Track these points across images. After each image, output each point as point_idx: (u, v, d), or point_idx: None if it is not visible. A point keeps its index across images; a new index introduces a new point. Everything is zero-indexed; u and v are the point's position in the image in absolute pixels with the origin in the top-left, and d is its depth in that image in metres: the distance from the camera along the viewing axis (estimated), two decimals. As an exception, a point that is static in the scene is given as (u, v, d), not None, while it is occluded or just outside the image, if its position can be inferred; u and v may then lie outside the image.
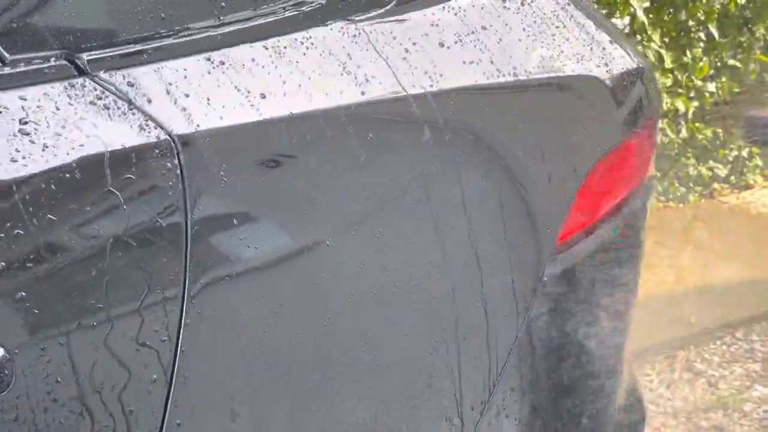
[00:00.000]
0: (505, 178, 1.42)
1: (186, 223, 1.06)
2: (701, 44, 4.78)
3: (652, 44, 4.50)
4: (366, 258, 1.26)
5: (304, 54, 1.22)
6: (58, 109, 1.03)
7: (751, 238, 4.52)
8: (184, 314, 1.04)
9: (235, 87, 1.15)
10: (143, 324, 1.02)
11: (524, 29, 1.46)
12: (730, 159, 5.08)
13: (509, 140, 1.43)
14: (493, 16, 1.43)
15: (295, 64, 1.21)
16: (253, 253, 1.13)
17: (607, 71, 1.56)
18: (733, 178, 5.07)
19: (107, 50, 1.10)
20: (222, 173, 1.10)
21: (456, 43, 1.37)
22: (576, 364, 1.50)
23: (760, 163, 5.13)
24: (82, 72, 1.07)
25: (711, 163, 4.95)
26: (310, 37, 1.24)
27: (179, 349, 1.04)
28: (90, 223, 1.01)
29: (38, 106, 1.02)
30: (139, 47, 1.12)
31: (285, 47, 1.21)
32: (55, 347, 0.97)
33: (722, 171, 5.03)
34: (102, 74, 1.08)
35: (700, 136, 4.87)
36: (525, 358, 1.43)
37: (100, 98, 1.06)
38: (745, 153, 5.09)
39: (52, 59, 1.06)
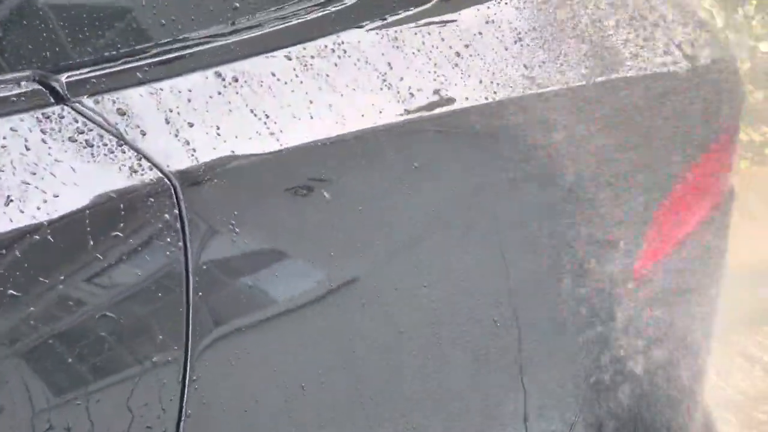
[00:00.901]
0: (569, 197, 1.20)
1: (187, 287, 0.85)
2: (754, 1, 4.52)
3: (703, 3, 4.24)
4: (405, 295, 1.06)
5: (336, 65, 1.01)
6: (27, 150, 0.82)
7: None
8: (184, 407, 0.84)
9: (251, 110, 0.94)
10: (133, 421, 0.81)
11: (595, 23, 1.23)
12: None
13: (575, 154, 1.21)
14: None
15: (324, 79, 0.99)
16: (273, 318, 0.92)
17: (690, 66, 1.34)
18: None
19: (92, 69, 0.89)
20: (233, 222, 0.89)
21: (516, 42, 1.14)
22: (655, 411, 1.29)
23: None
24: (59, 98, 0.86)
25: (763, 128, 4.70)
26: (342, 43, 1.02)
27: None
28: (64, 297, 0.80)
29: (2, 146, 0.81)
30: (132, 63, 0.91)
31: (312, 57, 0.99)
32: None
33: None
34: (85, 100, 0.87)
35: (752, 99, 4.61)
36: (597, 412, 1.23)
37: (82, 132, 0.85)
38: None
39: (22, 82, 0.85)
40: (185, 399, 0.84)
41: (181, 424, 0.84)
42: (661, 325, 1.28)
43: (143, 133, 0.87)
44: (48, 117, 0.84)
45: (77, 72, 0.88)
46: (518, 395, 1.19)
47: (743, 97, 1.50)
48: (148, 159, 0.86)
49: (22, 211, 0.79)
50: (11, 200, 0.79)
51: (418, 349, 1.07)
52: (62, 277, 0.80)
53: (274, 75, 0.96)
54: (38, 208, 0.79)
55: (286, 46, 0.98)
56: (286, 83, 0.96)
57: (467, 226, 1.11)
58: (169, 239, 0.85)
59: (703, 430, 1.43)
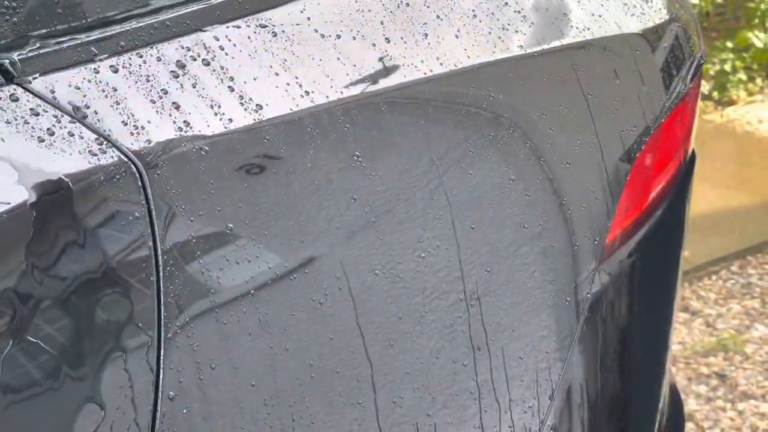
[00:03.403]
0: (534, 168, 1.16)
1: (158, 277, 0.80)
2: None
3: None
4: (369, 270, 1.01)
5: (301, 32, 0.95)
6: (-22, 135, 0.76)
7: (739, 160, 4.30)
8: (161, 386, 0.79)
9: (218, 83, 0.88)
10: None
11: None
12: (712, 74, 4.84)
13: (536, 122, 1.16)
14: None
15: (290, 47, 0.93)
16: (244, 281, 0.87)
17: (647, 26, 1.30)
18: (715, 93, 4.83)
19: (43, 44, 0.82)
20: (197, 194, 0.84)
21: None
22: (630, 383, 1.26)
23: (743, 77, 4.89)
24: (9, 77, 0.80)
25: (694, 79, 4.69)
26: (304, 9, 0.97)
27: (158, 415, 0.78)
28: (22, 295, 0.74)
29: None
30: (86, 38, 0.85)
31: (282, 24, 0.94)
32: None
33: (704, 87, 4.78)
34: (37, 79, 0.81)
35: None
36: (576, 394, 1.19)
37: (37, 114, 0.79)
38: (728, 67, 4.85)
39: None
40: (161, 382, 0.79)
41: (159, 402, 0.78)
42: (629, 299, 1.25)
43: (101, 114, 0.82)
44: (-1, 98, 0.78)
45: (27, 48, 0.81)
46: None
47: (703, 53, 1.47)
48: (107, 139, 0.80)
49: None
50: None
51: (379, 332, 1.02)
52: (19, 273, 0.74)
53: (241, 44, 0.91)
54: (-6, 199, 0.73)
55: (257, 12, 0.93)
56: (251, 55, 0.91)
57: (418, 206, 1.06)
58: (133, 229, 0.79)
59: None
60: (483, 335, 1.11)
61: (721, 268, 3.53)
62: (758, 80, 4.96)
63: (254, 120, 0.88)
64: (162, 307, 0.80)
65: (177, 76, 0.86)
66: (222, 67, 0.89)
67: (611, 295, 1.21)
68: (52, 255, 0.76)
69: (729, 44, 4.94)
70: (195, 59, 0.88)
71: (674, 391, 1.49)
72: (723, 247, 3.61)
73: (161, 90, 0.85)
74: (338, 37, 0.97)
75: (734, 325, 3.24)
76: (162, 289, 0.80)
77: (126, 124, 0.82)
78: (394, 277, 1.01)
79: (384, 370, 1.02)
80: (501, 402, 1.13)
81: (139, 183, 0.80)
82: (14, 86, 0.79)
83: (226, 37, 0.91)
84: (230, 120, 0.87)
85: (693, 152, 1.43)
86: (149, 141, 0.82)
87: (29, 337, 0.74)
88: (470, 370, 1.11)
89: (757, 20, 4.99)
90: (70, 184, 0.77)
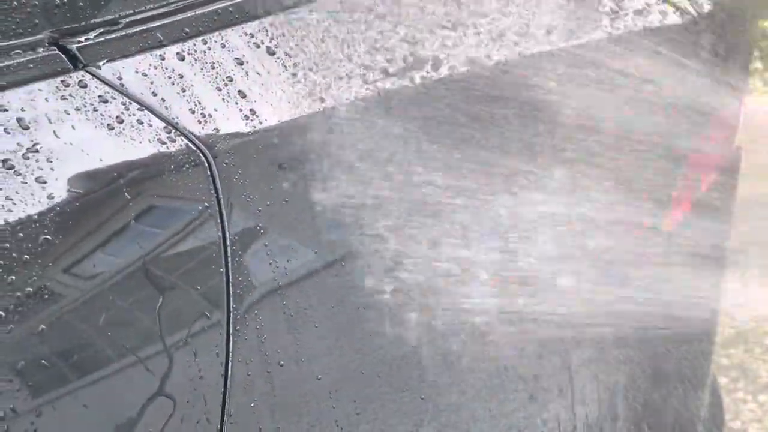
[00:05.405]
0: (594, 158, 1.15)
1: (227, 267, 0.79)
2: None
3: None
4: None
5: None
6: (50, 122, 0.74)
7: (756, 150, 4.28)
8: (230, 358, 0.77)
9: (283, 68, 0.86)
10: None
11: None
12: (728, 63, 4.81)
13: (588, 113, 1.15)
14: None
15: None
16: (311, 272, 0.85)
17: (695, 15, 1.29)
18: (731, 83, 4.80)
19: (109, 30, 0.81)
20: (265, 184, 0.82)
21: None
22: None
23: (759, 65, 4.86)
24: (77, 64, 0.78)
25: (711, 69, 4.67)
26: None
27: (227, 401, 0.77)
28: (92, 275, 0.73)
29: (20, 119, 0.73)
30: (152, 23, 0.83)
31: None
32: (49, 412, 0.70)
33: (721, 76, 4.75)
34: (104, 66, 0.79)
35: (699, 40, 4.56)
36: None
37: (105, 101, 0.77)
38: (744, 56, 4.82)
39: (41, 49, 0.77)
40: (230, 352, 0.77)
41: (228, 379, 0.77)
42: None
43: (168, 101, 0.80)
44: (68, 85, 0.76)
45: (94, 34, 0.80)
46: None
47: (747, 45, 1.45)
48: (175, 128, 0.79)
49: (51, 197, 0.71)
50: (44, 181, 0.71)
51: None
52: (90, 255, 0.73)
53: (306, 28, 0.89)
54: (68, 190, 0.72)
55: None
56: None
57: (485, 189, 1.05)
58: (204, 217, 0.78)
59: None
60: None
61: (739, 257, 3.52)
62: (774, 70, 4.94)
63: (319, 109, 0.87)
64: (230, 299, 0.79)
65: (241, 63, 0.85)
66: (286, 54, 0.87)
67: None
68: (120, 245, 0.74)
69: (745, 33, 4.92)
70: (259, 46, 0.87)
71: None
72: (742, 236, 3.60)
73: (227, 77, 0.84)
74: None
75: (755, 317, 3.22)
76: (231, 280, 0.79)
77: (193, 112, 0.80)
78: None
79: (446, 365, 1.01)
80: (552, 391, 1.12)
81: (208, 172, 0.78)
82: (82, 72, 0.78)
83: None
84: (296, 108, 0.86)
85: (738, 143, 1.42)
86: (217, 129, 0.81)
87: (98, 328, 0.73)
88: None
89: (774, 9, 4.97)
90: (142, 172, 0.75)
